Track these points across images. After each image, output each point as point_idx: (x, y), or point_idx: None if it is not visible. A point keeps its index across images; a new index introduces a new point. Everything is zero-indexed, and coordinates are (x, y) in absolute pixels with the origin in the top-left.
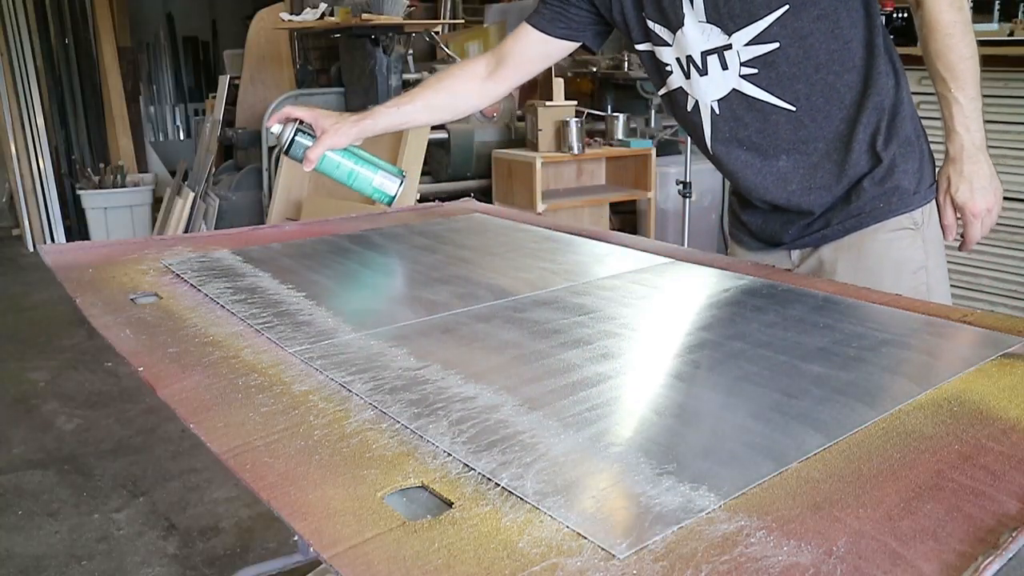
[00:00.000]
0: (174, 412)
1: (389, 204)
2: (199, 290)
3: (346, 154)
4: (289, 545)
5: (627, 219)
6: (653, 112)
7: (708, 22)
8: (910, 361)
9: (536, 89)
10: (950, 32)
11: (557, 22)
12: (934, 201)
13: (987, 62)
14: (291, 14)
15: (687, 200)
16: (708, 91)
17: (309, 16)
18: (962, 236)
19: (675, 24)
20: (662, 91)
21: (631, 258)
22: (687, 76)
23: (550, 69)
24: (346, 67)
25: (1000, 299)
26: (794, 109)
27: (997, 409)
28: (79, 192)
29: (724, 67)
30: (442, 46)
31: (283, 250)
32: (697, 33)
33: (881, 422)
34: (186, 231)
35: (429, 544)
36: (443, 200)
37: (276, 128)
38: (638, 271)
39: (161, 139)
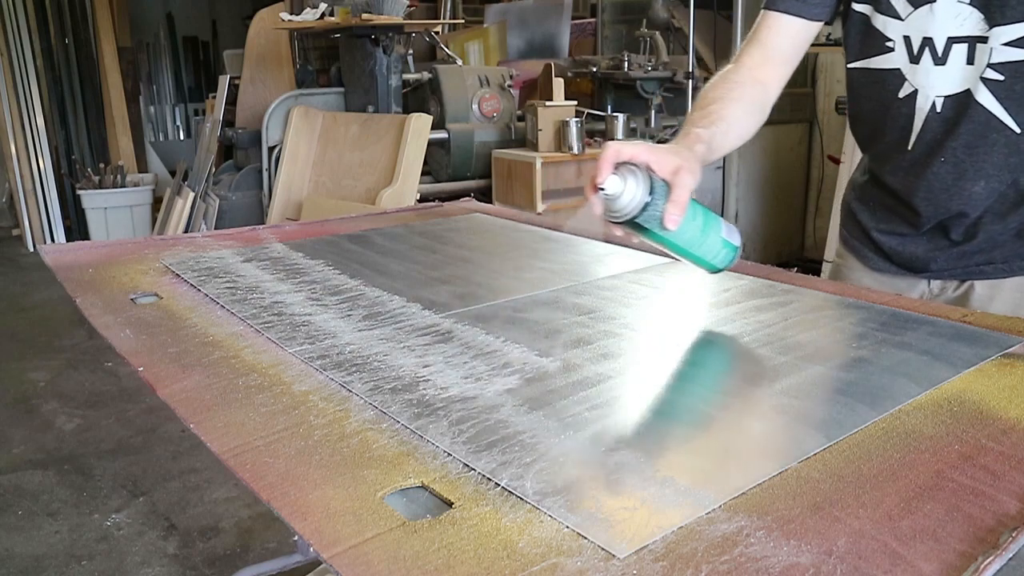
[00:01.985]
0: (174, 412)
1: (726, 267)
2: (199, 290)
3: (693, 203)
4: (289, 545)
5: None
6: (653, 112)
7: (971, 4)
8: (910, 361)
9: (536, 89)
10: None
11: (820, 4)
12: None
13: None
14: (291, 14)
15: None
16: (937, 83)
17: (309, 16)
18: None
19: None
20: (858, 64)
21: (631, 258)
22: (914, 60)
23: (550, 69)
24: (346, 67)
25: None
26: (1020, 132)
27: (997, 409)
28: (79, 192)
29: (970, 61)
30: (442, 46)
31: (283, 250)
32: (950, 15)
33: (881, 422)
34: (186, 231)
35: (429, 544)
36: (443, 200)
37: (614, 186)
38: (638, 271)
39: (161, 139)
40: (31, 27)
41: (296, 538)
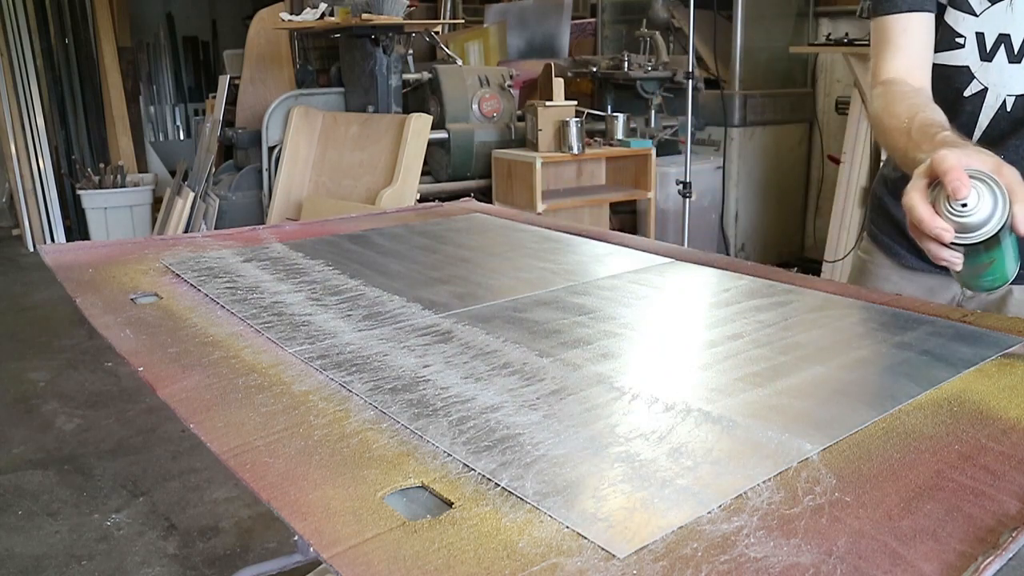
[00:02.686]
0: (174, 412)
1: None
2: (199, 290)
3: None
4: (289, 545)
5: (627, 219)
6: (653, 112)
7: None
8: (910, 361)
9: (536, 89)
10: None
11: None
12: None
13: None
14: (291, 14)
15: (687, 200)
16: (1011, 83)
17: (309, 16)
18: None
19: None
20: (940, 63)
21: (631, 258)
22: (986, 58)
23: (550, 69)
24: (346, 67)
25: None
26: None
27: (997, 409)
28: (79, 192)
29: None
30: (442, 46)
31: (283, 250)
32: None
33: (881, 422)
34: (186, 231)
35: (429, 544)
36: (443, 200)
37: (977, 203)
38: (638, 271)
39: (161, 139)
40: (31, 27)
41: (296, 538)
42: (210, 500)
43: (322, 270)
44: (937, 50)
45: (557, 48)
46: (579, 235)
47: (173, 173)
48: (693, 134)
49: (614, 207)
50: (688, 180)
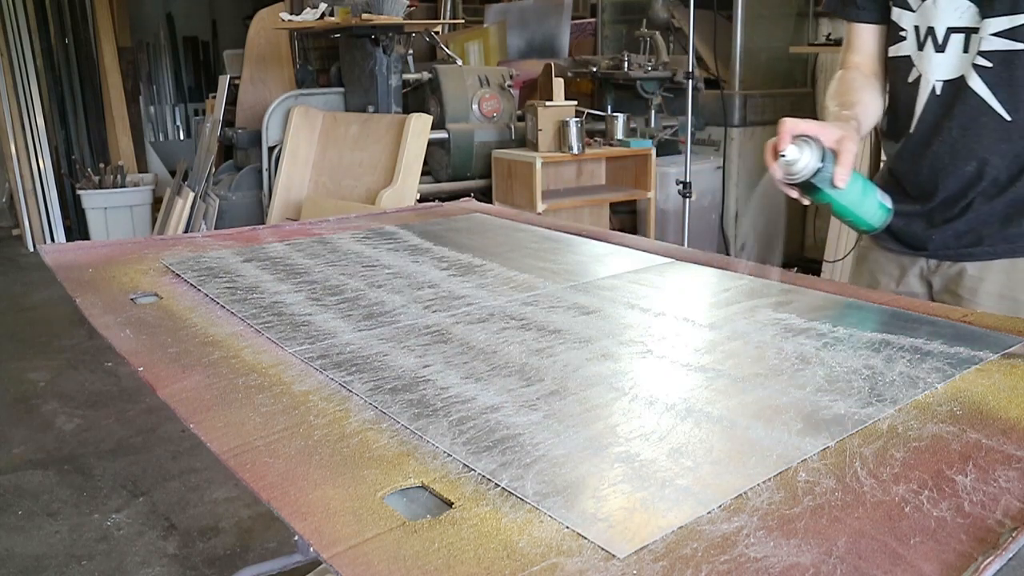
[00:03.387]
0: (174, 412)
1: (880, 227)
2: (199, 290)
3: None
4: (289, 545)
5: (627, 219)
6: (653, 112)
7: None
8: (910, 361)
9: (536, 89)
10: None
11: (865, 11)
12: None
13: None
14: (291, 14)
15: (687, 200)
16: (937, 69)
17: (309, 16)
18: None
19: None
20: (890, 55)
21: (631, 258)
22: (919, 48)
23: (550, 69)
24: (346, 67)
25: None
26: (1008, 119)
27: (997, 409)
28: (79, 192)
29: (965, 50)
30: (442, 46)
31: (283, 250)
32: (951, 7)
33: (881, 422)
34: (186, 231)
35: (429, 544)
36: (443, 200)
37: (792, 153)
38: (638, 271)
39: (161, 139)
40: (31, 27)
41: (296, 538)
42: (210, 500)
43: (322, 270)
44: (889, 44)
45: (557, 48)
46: (579, 235)
47: (173, 173)
48: (693, 134)
49: (614, 207)
50: (688, 180)
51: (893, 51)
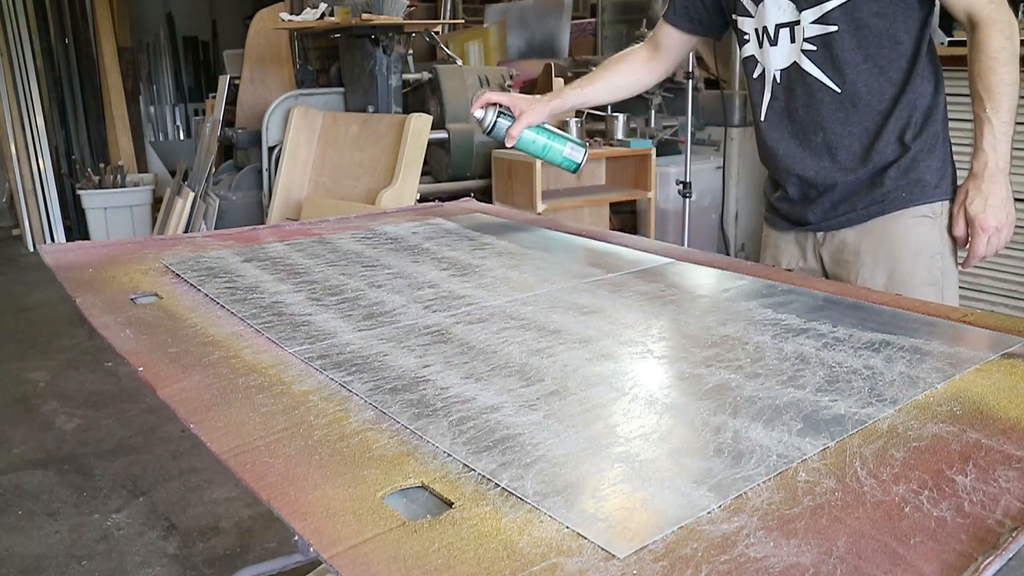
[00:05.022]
0: (174, 412)
1: (575, 171)
2: (199, 290)
3: (539, 130)
4: (289, 545)
5: (627, 219)
6: (653, 112)
7: None
8: (910, 361)
9: (536, 89)
10: (996, 56)
11: (682, 17)
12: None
13: None
14: (291, 14)
15: (687, 200)
16: (775, 60)
17: (309, 16)
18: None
19: None
20: (742, 58)
21: (631, 258)
22: (760, 45)
23: (550, 69)
24: (346, 67)
25: (1000, 299)
26: (839, 91)
27: (997, 409)
28: (79, 192)
29: (792, 40)
30: (442, 46)
31: (283, 250)
32: (775, 8)
33: (881, 422)
34: (186, 231)
35: (429, 544)
36: (443, 200)
37: (479, 113)
38: (638, 271)
39: (161, 139)
40: (31, 27)
41: (296, 538)
42: (210, 500)
43: (322, 270)
44: (741, 48)
45: (557, 48)
46: (579, 235)
47: (173, 173)
48: (693, 134)
49: (614, 207)
50: (688, 180)
51: (742, 53)
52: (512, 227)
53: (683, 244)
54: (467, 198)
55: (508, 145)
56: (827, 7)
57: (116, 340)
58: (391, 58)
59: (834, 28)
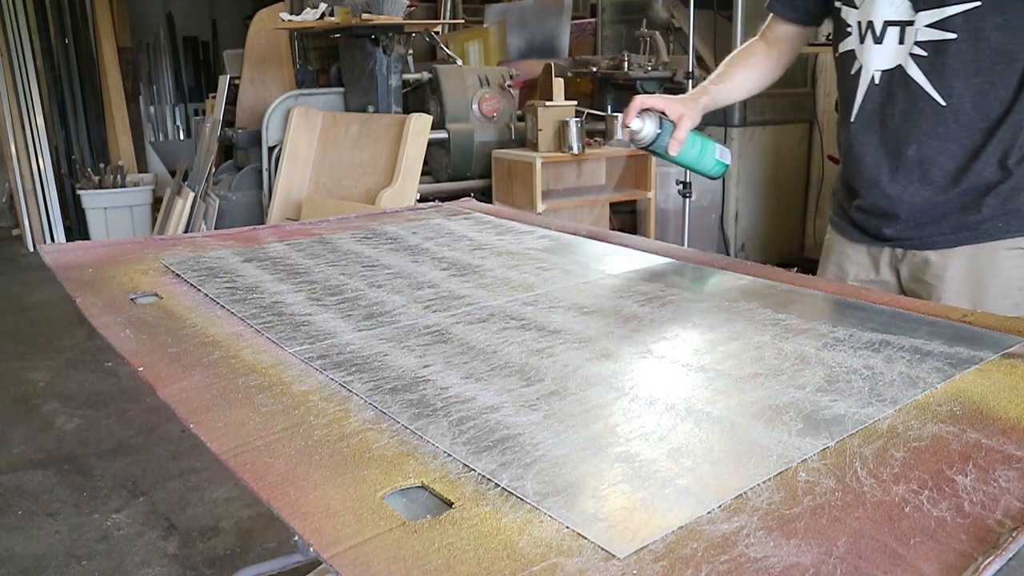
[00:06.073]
0: (174, 412)
1: (721, 176)
2: (199, 290)
3: (693, 135)
4: (289, 545)
5: (627, 219)
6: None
7: None
8: (910, 361)
9: (536, 89)
10: None
11: (786, 5)
12: None
13: None
14: (291, 14)
15: (687, 200)
16: (876, 60)
17: (309, 16)
18: None
19: None
20: (838, 52)
21: (631, 258)
22: (861, 41)
23: (550, 69)
24: (346, 67)
25: None
26: (943, 104)
27: (997, 409)
28: (79, 192)
29: (901, 41)
30: (442, 46)
31: (283, 250)
32: (887, 3)
33: (881, 422)
34: (186, 231)
35: (429, 544)
36: (443, 200)
37: (637, 124)
38: (638, 271)
39: (161, 139)
40: (31, 27)
41: (296, 538)
42: (210, 500)
43: (322, 270)
44: (837, 41)
45: (557, 48)
46: (579, 235)
47: (173, 173)
48: None
49: (614, 207)
50: (688, 180)
51: (841, 47)
52: (512, 227)
53: (683, 244)
54: (467, 198)
55: (672, 154)
56: (949, 11)
57: (116, 340)
58: (391, 58)
59: (952, 36)
